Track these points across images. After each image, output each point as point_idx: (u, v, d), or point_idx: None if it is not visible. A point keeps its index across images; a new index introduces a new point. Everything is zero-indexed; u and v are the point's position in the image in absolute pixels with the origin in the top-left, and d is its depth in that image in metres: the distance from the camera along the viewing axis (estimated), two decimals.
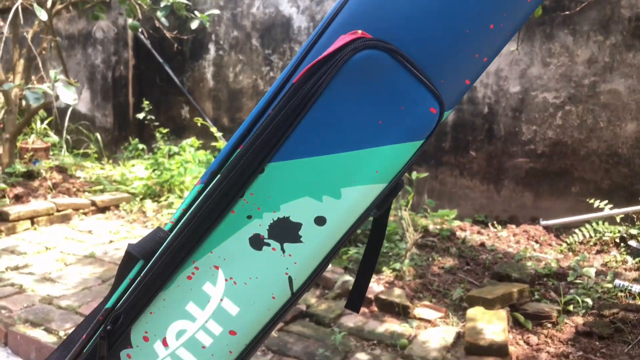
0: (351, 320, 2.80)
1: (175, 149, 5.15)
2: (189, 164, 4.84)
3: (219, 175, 0.82)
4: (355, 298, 1.00)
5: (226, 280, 0.82)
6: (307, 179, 0.79)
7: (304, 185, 0.79)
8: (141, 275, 0.83)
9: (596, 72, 4.18)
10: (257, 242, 0.81)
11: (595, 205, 4.02)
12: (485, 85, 4.63)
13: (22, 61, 4.92)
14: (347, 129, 0.76)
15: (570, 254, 3.89)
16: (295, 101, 0.74)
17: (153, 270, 0.83)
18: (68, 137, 6.56)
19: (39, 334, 2.48)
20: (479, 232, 4.32)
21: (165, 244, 0.83)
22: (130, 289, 0.84)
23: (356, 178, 0.78)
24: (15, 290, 2.99)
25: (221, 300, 0.82)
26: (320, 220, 0.79)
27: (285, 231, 0.80)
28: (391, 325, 2.75)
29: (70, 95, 3.19)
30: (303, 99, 0.74)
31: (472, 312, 2.65)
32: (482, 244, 4.01)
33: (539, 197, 4.48)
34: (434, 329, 2.71)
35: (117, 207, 4.76)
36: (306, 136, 0.77)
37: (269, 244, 0.80)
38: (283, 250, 0.80)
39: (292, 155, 0.78)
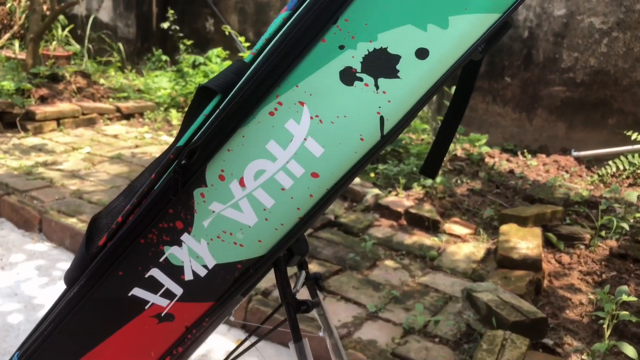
0: (379, 232, 2.79)
1: (200, 59, 5.02)
2: (214, 73, 4.73)
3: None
4: (432, 162, 0.94)
5: (311, 118, 0.75)
6: (411, 4, 0.70)
7: (408, 11, 0.71)
8: (219, 109, 0.77)
9: None
10: (348, 77, 0.74)
11: (633, 137, 3.89)
12: (527, 6, 4.40)
13: None
14: None
15: (602, 185, 3.81)
16: None
17: (232, 104, 0.76)
18: (90, 45, 6.42)
19: (72, 222, 2.50)
20: (508, 160, 4.24)
21: (246, 76, 0.77)
22: (206, 125, 0.78)
23: (467, 5, 0.69)
24: (46, 184, 3.00)
25: (305, 139, 0.76)
26: (422, 53, 0.71)
27: (381, 64, 0.72)
28: (420, 238, 2.74)
29: None
30: None
31: (505, 227, 2.61)
32: (511, 171, 3.94)
33: (572, 127, 4.35)
34: (464, 244, 2.69)
35: (141, 115, 4.71)
36: None
37: (361, 79, 0.73)
38: (377, 87, 0.73)
39: None
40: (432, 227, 2.81)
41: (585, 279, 2.38)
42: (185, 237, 0.82)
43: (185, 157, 0.78)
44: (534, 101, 4.48)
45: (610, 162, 3.93)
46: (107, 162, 3.49)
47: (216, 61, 4.88)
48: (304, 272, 0.95)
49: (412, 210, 2.89)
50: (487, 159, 4.11)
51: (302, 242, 0.94)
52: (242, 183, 0.79)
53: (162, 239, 0.82)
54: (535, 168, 4.10)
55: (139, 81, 5.48)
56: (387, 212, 2.96)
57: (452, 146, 4.08)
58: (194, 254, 0.82)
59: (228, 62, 5.00)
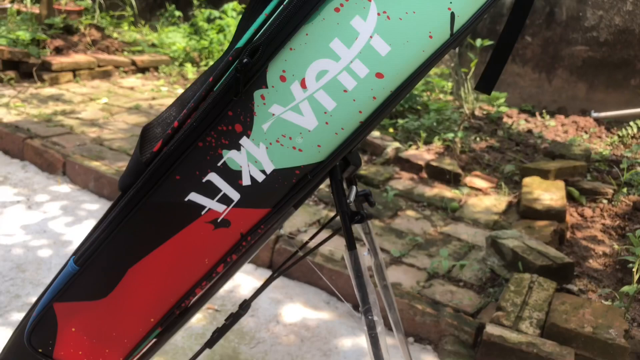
0: (400, 184, 2.79)
1: (216, 13, 4.94)
2: (230, 28, 4.66)
3: None
4: (488, 79, 0.92)
5: (379, 14, 0.74)
6: None
7: None
8: (282, 6, 0.76)
9: None
10: None
11: None
12: None
13: None
14: None
15: (622, 146, 3.77)
16: None
17: (296, 0, 0.75)
18: (101, 1, 6.33)
19: (95, 165, 2.50)
20: (526, 120, 4.20)
21: None
22: (269, 23, 0.76)
23: None
24: (66, 131, 3.00)
25: (371, 37, 0.74)
26: None
27: None
28: (441, 190, 2.73)
29: None
30: None
31: (528, 180, 2.60)
32: (529, 131, 3.91)
33: (593, 88, 4.29)
34: (485, 197, 2.69)
35: (156, 69, 4.67)
36: None
37: None
38: None
39: None
40: (453, 180, 2.81)
41: (608, 231, 2.37)
42: (244, 140, 0.81)
43: (247, 56, 0.76)
44: (555, 61, 4.41)
45: (631, 123, 3.89)
46: (125, 113, 3.47)
47: (232, 14, 4.80)
48: (354, 187, 0.95)
49: (433, 164, 2.88)
50: (504, 119, 4.07)
51: (355, 155, 0.93)
52: (303, 84, 0.77)
53: (221, 142, 0.81)
54: (553, 129, 4.06)
55: (153, 36, 5.42)
56: (407, 165, 2.94)
57: (469, 104, 4.05)
58: (253, 158, 0.82)
59: None
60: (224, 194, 0.84)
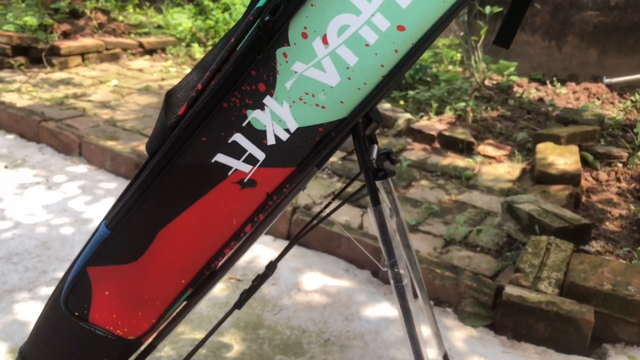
0: (413, 155, 2.79)
1: None
2: (235, 6, 4.64)
3: None
4: (506, 32, 0.92)
5: None
6: None
7: None
8: None
9: None
10: None
11: None
12: None
13: None
14: None
15: (635, 111, 3.74)
16: None
17: None
18: None
19: (111, 144, 2.53)
20: (536, 89, 4.16)
21: None
22: None
23: None
24: (79, 113, 3.02)
25: None
26: None
27: None
28: (454, 160, 2.73)
29: None
30: None
31: (541, 146, 2.60)
32: (540, 99, 3.88)
33: (604, 54, 4.24)
34: (499, 165, 2.69)
35: (163, 50, 4.66)
36: None
37: None
38: None
39: None
40: (466, 149, 2.80)
41: (624, 194, 2.37)
42: (267, 100, 0.82)
43: (269, 13, 0.77)
44: (565, 27, 4.35)
45: None
46: (136, 94, 3.49)
47: None
48: (375, 145, 0.96)
49: (446, 133, 2.88)
50: (515, 88, 4.04)
51: (377, 112, 0.94)
52: (325, 40, 0.78)
53: (245, 102, 0.83)
54: (564, 96, 4.03)
55: (158, 18, 5.40)
56: (419, 135, 2.94)
57: (479, 75, 4.01)
58: (277, 117, 0.83)
59: None
60: (250, 154, 0.85)
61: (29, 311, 1.53)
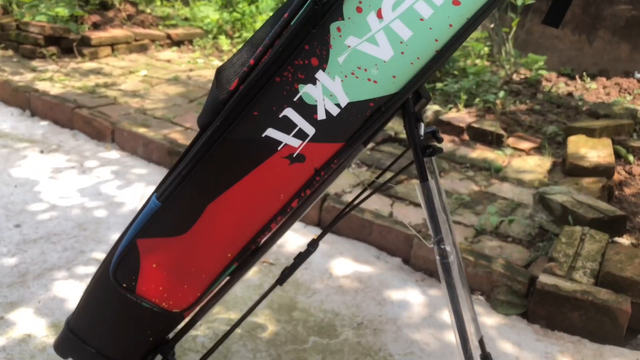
0: (442, 146, 2.77)
1: None
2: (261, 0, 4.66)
3: None
4: (556, 11, 0.92)
5: None
6: None
7: None
8: None
9: None
10: None
11: None
12: None
13: None
14: None
15: None
16: None
17: None
18: None
19: (143, 131, 2.56)
20: (565, 84, 4.11)
21: None
22: None
23: None
24: (110, 102, 3.07)
25: None
26: None
27: None
28: (483, 152, 2.72)
29: None
30: None
31: (573, 138, 2.57)
32: (570, 94, 3.82)
33: (636, 48, 4.16)
34: (529, 157, 2.66)
35: (190, 42, 4.71)
36: None
37: None
38: None
39: None
40: (496, 142, 2.78)
41: None
42: (319, 74, 0.83)
43: None
44: (596, 21, 4.28)
45: None
46: (165, 84, 3.53)
47: None
48: (422, 124, 0.96)
49: (475, 125, 2.86)
50: (543, 83, 3.99)
51: (425, 89, 0.94)
52: (379, 14, 0.78)
53: (297, 77, 0.84)
54: (594, 91, 3.96)
55: (185, 11, 5.45)
56: (448, 127, 2.93)
57: (507, 67, 3.97)
58: (328, 92, 0.84)
59: None
60: (300, 129, 0.86)
61: (68, 288, 1.56)
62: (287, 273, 1.06)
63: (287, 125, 0.86)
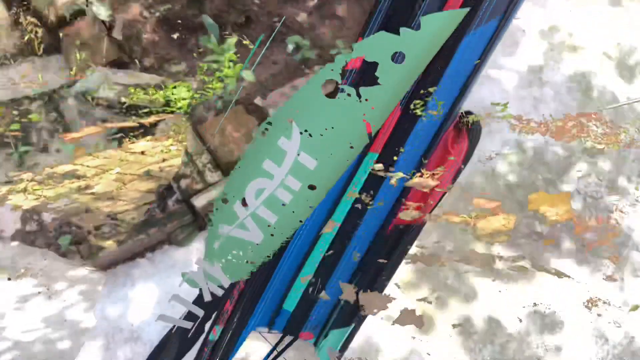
0: None
1: (214, 65, 5.06)
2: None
3: None
4: None
5: (301, 133, 0.78)
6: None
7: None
8: None
9: None
10: (330, 90, 0.76)
11: None
12: None
13: None
14: None
15: None
16: None
17: None
18: None
19: (108, 244, 2.58)
20: None
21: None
22: None
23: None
24: (82, 209, 3.10)
25: (297, 154, 0.78)
26: (398, 57, 0.72)
27: (361, 73, 0.74)
28: None
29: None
30: None
31: None
32: None
33: None
34: None
35: (164, 127, 4.79)
36: None
37: (343, 90, 0.74)
38: (359, 96, 0.74)
39: None
40: None
41: None
42: (199, 261, 0.85)
43: None
44: None
45: None
46: (137, 180, 3.57)
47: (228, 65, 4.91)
48: None
49: None
50: None
51: None
52: (244, 203, 0.82)
53: None
54: None
55: (159, 94, 5.57)
56: None
57: None
58: (210, 276, 0.86)
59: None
60: (189, 312, 0.88)
61: None
62: None
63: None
